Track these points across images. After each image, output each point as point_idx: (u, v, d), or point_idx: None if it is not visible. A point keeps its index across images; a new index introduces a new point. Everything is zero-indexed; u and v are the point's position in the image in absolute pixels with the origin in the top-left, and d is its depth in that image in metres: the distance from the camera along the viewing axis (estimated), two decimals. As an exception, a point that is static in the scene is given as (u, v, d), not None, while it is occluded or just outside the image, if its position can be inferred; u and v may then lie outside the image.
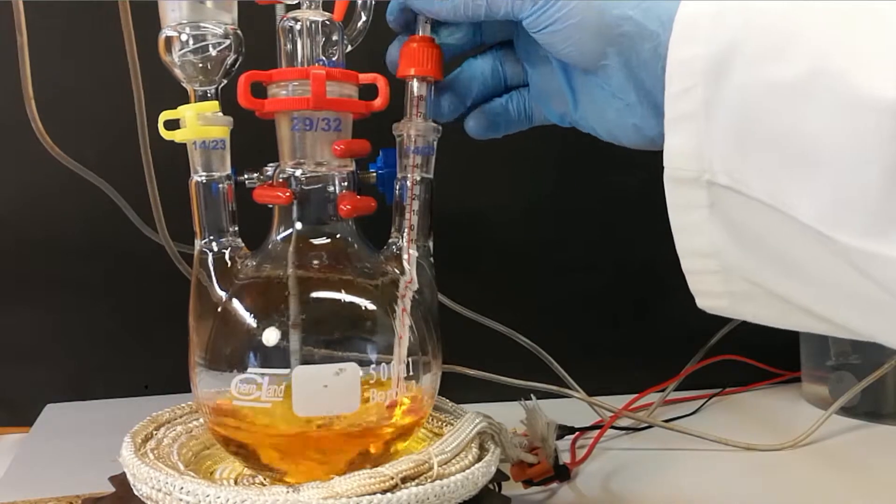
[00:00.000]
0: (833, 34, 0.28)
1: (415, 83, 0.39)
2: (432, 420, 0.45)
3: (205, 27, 0.38)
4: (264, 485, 0.40)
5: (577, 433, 0.57)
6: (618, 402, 0.61)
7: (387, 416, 0.38)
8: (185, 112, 0.38)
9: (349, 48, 0.41)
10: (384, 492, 0.34)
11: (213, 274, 0.40)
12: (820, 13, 0.29)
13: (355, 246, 0.40)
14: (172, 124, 0.39)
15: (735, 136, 0.30)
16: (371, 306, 0.39)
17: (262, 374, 0.36)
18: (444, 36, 0.40)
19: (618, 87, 0.35)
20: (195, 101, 0.39)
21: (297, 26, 0.39)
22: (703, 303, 0.34)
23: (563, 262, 0.70)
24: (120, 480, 0.39)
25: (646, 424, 0.60)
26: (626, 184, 0.71)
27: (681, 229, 0.32)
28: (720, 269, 0.32)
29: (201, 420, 0.43)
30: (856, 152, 0.27)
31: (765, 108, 0.29)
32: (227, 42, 0.38)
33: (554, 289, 0.70)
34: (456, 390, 0.47)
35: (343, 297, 0.39)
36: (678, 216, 0.32)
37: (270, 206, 0.40)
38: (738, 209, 0.30)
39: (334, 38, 0.39)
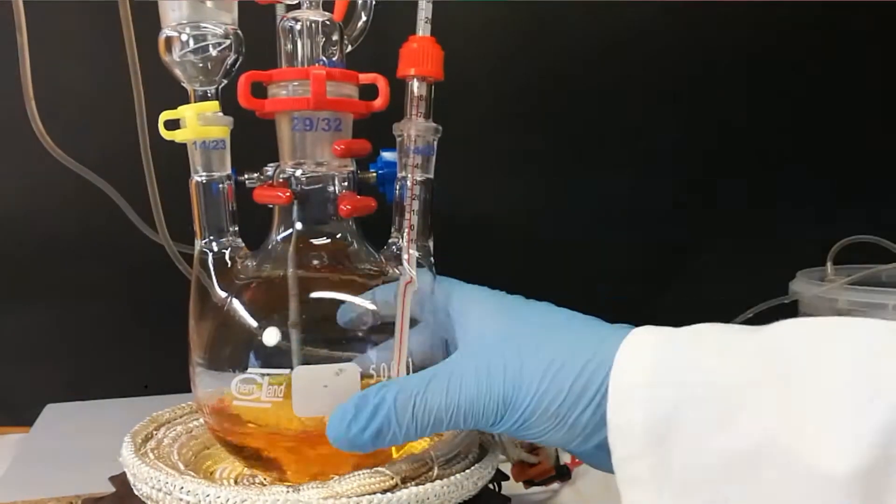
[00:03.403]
0: (776, 407, 0.29)
1: (415, 83, 0.39)
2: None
3: (205, 27, 0.37)
4: (264, 485, 0.40)
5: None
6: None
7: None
8: (185, 112, 0.38)
9: (349, 48, 0.41)
10: (384, 492, 0.34)
11: (213, 274, 0.39)
12: (761, 385, 0.29)
13: (355, 246, 0.40)
14: (173, 124, 0.39)
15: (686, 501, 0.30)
16: (371, 306, 0.39)
17: (262, 375, 0.36)
18: None
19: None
20: (195, 101, 0.39)
21: (298, 26, 0.39)
22: None
23: (564, 262, 0.70)
24: (120, 480, 0.39)
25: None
26: (627, 186, 0.71)
27: None
28: None
29: (201, 420, 0.43)
30: None
31: (713, 478, 0.30)
32: (228, 42, 0.38)
33: (554, 289, 0.69)
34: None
35: (343, 296, 0.39)
36: None
37: (270, 206, 0.40)
38: None
39: (334, 38, 0.39)
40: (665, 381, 0.31)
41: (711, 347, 0.32)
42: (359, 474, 0.34)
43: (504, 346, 0.35)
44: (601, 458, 0.33)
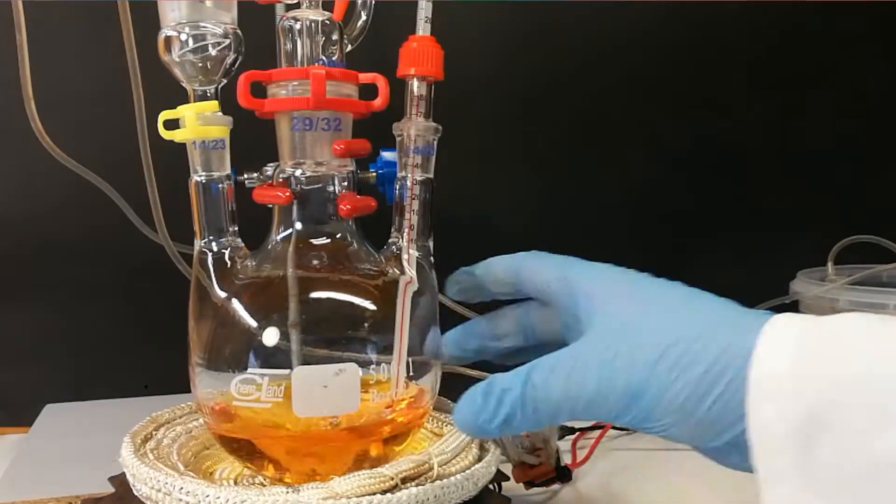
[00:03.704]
0: None
1: (415, 82, 0.39)
2: (432, 420, 0.45)
3: (204, 27, 0.37)
4: (264, 485, 0.40)
5: (577, 433, 0.57)
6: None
7: (387, 416, 0.38)
8: (184, 112, 0.38)
9: (349, 48, 0.41)
10: (384, 492, 0.34)
11: (212, 274, 0.39)
12: None
13: (355, 246, 0.40)
14: (172, 124, 0.39)
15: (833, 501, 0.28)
16: (371, 306, 0.38)
17: (262, 375, 0.36)
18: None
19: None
20: (195, 101, 0.39)
21: (297, 26, 0.39)
22: None
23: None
24: (119, 481, 0.39)
25: (646, 425, 0.60)
26: (627, 187, 0.71)
27: None
28: None
29: (201, 420, 0.43)
30: None
31: (863, 478, 0.27)
32: (227, 41, 0.38)
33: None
34: (456, 390, 0.47)
35: (343, 297, 0.39)
36: None
37: (270, 206, 0.40)
38: None
39: (334, 37, 0.39)
40: (812, 374, 0.29)
41: (861, 338, 0.29)
42: (359, 475, 0.34)
43: (631, 331, 0.33)
44: (731, 455, 0.31)
